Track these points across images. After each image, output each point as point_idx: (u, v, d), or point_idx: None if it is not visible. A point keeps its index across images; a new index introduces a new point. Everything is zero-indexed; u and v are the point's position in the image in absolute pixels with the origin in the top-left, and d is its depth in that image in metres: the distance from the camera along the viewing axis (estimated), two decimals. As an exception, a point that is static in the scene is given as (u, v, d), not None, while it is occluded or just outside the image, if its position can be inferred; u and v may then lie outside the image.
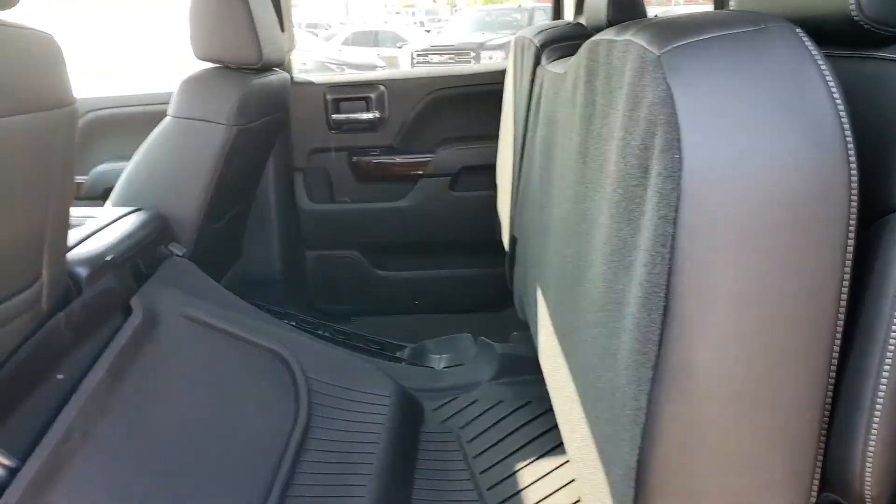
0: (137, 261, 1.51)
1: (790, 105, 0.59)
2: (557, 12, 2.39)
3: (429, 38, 13.54)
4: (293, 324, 1.92)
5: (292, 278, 2.32)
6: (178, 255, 1.65)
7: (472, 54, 10.19)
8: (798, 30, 0.62)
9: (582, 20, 1.76)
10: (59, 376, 1.15)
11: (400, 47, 12.13)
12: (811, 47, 0.61)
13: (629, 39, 0.72)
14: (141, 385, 1.25)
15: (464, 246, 2.31)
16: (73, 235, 1.38)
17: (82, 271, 1.29)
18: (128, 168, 1.76)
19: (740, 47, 0.62)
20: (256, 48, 1.73)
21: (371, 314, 2.37)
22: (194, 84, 1.73)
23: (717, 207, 0.60)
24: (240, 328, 1.55)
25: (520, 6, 12.34)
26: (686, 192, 0.60)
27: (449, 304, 2.34)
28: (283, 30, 2.12)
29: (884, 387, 0.62)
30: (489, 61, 9.80)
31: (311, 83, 2.23)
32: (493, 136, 2.09)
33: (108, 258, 1.37)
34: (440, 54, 10.39)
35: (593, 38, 0.90)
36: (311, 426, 1.43)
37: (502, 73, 2.14)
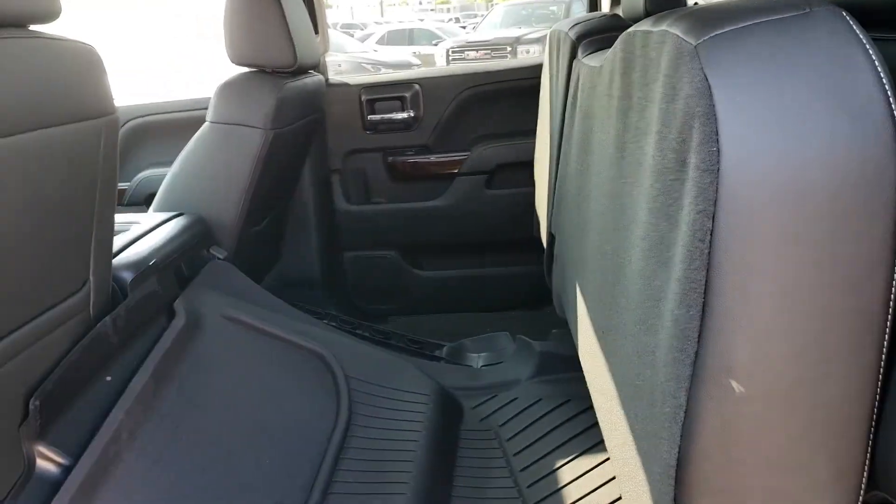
0: (180, 264, 1.54)
1: (836, 92, 0.57)
2: (594, 4, 2.35)
3: (464, 34, 13.51)
4: (333, 324, 1.94)
5: (331, 279, 2.34)
6: (219, 258, 1.68)
7: (509, 49, 10.11)
8: (844, 13, 0.60)
9: (619, 11, 1.73)
10: (108, 378, 1.18)
11: (435, 44, 12.12)
12: (858, 31, 0.59)
13: (665, 30, 0.71)
14: (185, 386, 1.28)
15: (501, 244, 2.30)
16: (117, 241, 1.42)
17: (127, 276, 1.32)
18: (169, 174, 1.80)
19: (783, 34, 0.59)
20: (291, 51, 1.75)
21: (409, 313, 2.38)
22: (231, 89, 1.76)
23: (757, 201, 0.58)
24: (281, 329, 1.57)
25: (556, -2, 12.19)
26: (725, 185, 0.59)
27: (487, 302, 2.33)
28: (317, 32, 2.13)
29: None
30: (526, 56, 9.73)
31: (346, 84, 2.24)
32: (529, 133, 2.07)
33: (152, 262, 1.40)
34: (476, 50, 10.35)
35: (629, 30, 0.88)
36: (352, 425, 1.44)
37: (537, 67, 2.12)
